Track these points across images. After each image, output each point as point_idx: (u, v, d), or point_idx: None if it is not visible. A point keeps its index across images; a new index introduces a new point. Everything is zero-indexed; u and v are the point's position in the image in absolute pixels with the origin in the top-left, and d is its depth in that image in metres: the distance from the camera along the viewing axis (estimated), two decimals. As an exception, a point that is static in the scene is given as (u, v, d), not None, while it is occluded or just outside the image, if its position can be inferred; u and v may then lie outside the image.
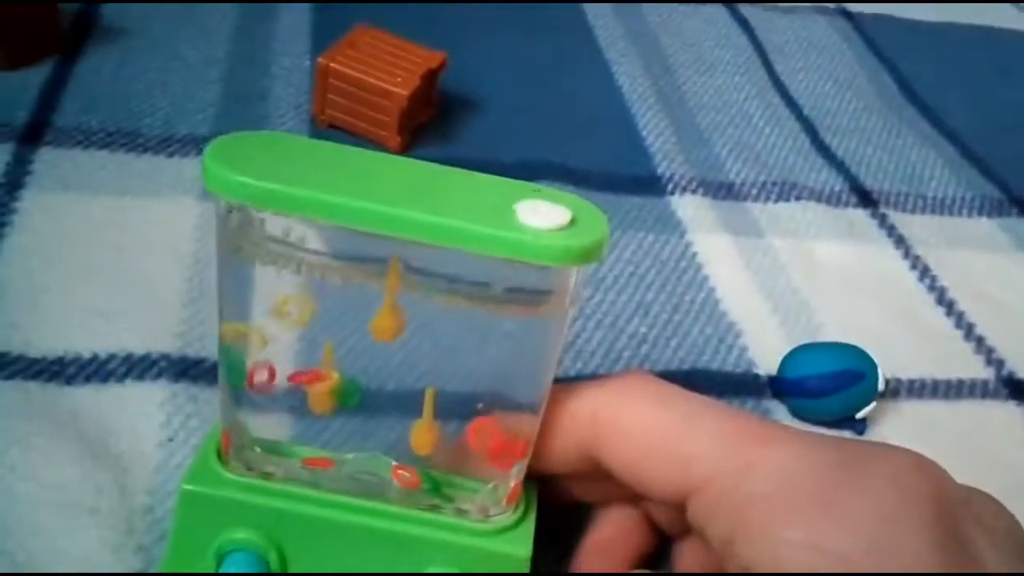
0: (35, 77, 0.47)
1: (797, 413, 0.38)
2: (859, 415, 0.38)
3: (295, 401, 0.28)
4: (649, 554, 0.31)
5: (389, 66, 0.46)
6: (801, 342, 0.40)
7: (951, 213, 0.53)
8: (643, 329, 0.41)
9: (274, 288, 0.25)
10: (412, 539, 0.27)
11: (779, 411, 0.39)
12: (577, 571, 0.30)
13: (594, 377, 0.36)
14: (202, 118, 0.47)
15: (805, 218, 0.50)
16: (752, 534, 0.23)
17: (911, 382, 0.41)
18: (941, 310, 0.46)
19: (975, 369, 0.43)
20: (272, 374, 0.27)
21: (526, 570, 0.27)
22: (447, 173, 0.25)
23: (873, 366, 0.38)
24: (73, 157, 0.43)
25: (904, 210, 0.52)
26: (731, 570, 0.24)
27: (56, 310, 0.36)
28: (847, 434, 0.38)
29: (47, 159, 0.43)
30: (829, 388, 0.37)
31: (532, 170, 0.48)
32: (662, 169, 0.51)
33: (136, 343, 0.35)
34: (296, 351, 0.28)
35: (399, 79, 0.46)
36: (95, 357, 0.34)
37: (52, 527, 0.29)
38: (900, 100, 0.62)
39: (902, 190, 0.53)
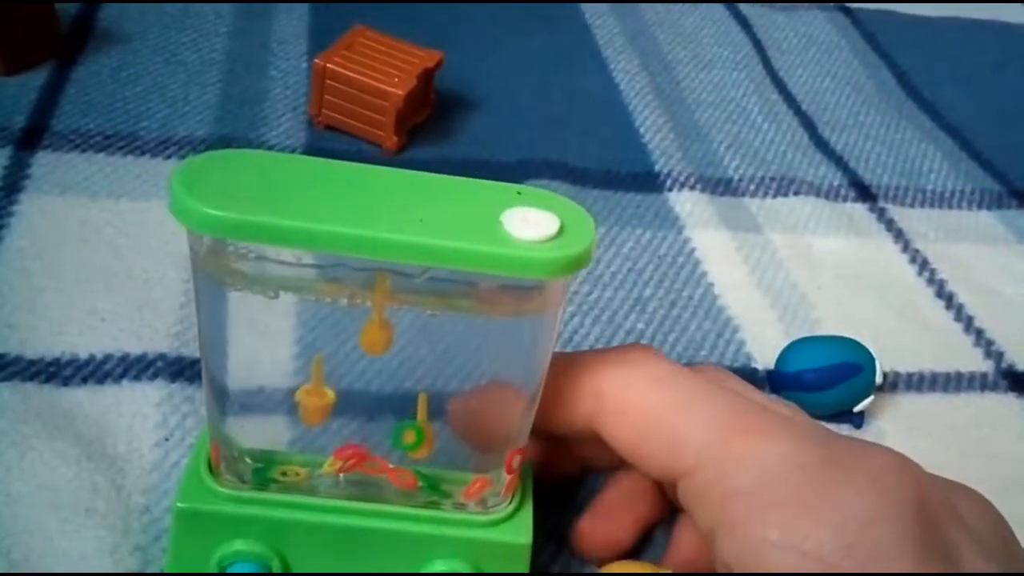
0: (33, 81, 0.48)
1: (795, 407, 0.38)
2: (857, 408, 0.38)
3: (285, 410, 0.28)
4: (656, 520, 0.31)
5: (385, 66, 0.47)
6: (799, 336, 0.40)
7: (950, 206, 0.53)
8: (641, 325, 0.41)
9: (252, 309, 0.24)
10: (413, 536, 0.27)
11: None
12: (580, 534, 0.30)
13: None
14: (200, 120, 0.48)
15: (803, 213, 0.49)
16: (733, 530, 0.24)
17: (909, 375, 0.41)
18: (940, 303, 0.45)
19: (974, 362, 0.43)
20: None
21: (527, 557, 0.27)
22: (427, 182, 0.25)
23: (871, 359, 0.38)
24: (71, 160, 0.43)
25: (903, 204, 0.52)
26: (716, 561, 0.24)
27: (54, 311, 0.36)
28: (845, 427, 0.38)
29: (45, 163, 0.43)
30: (827, 382, 0.37)
31: (530, 168, 0.48)
32: (660, 165, 0.51)
33: (133, 344, 0.35)
34: (291, 369, 0.27)
35: (395, 79, 0.46)
36: (92, 358, 0.34)
37: (49, 527, 0.29)
38: (899, 94, 0.62)
39: (901, 184, 0.53)
